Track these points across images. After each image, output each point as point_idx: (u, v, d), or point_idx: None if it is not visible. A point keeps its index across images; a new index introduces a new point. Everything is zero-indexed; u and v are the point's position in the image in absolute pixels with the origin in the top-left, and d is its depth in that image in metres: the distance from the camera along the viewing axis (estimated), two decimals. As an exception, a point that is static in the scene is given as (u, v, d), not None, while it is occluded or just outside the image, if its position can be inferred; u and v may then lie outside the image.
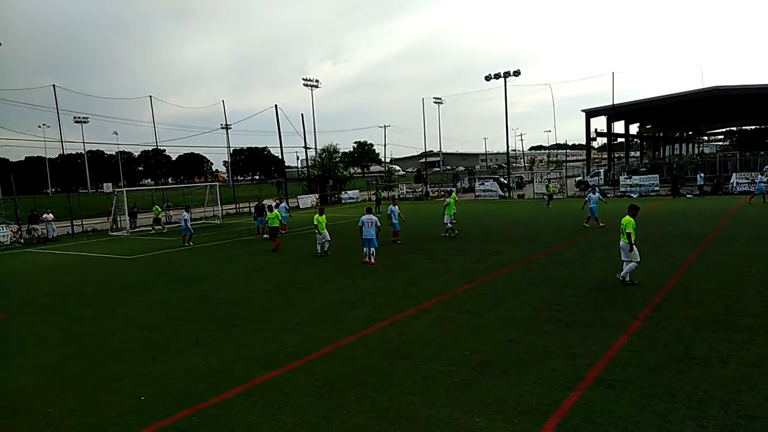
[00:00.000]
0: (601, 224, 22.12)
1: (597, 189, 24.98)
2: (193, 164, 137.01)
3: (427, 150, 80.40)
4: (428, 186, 54.40)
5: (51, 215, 31.78)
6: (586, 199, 23.30)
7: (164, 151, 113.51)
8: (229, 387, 7.45)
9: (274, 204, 28.36)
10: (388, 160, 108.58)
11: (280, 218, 22.60)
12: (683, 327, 8.90)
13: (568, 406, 6.30)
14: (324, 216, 18.64)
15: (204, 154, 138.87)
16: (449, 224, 22.46)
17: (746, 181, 37.99)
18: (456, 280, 13.63)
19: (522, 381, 7.11)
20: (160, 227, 34.17)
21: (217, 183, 43.41)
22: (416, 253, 18.17)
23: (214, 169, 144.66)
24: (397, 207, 21.50)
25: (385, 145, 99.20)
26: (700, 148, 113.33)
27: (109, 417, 6.72)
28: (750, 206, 27.96)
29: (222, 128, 54.52)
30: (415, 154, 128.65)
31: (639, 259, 11.97)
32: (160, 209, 35.39)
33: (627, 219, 12.13)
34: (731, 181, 38.56)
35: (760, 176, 34.02)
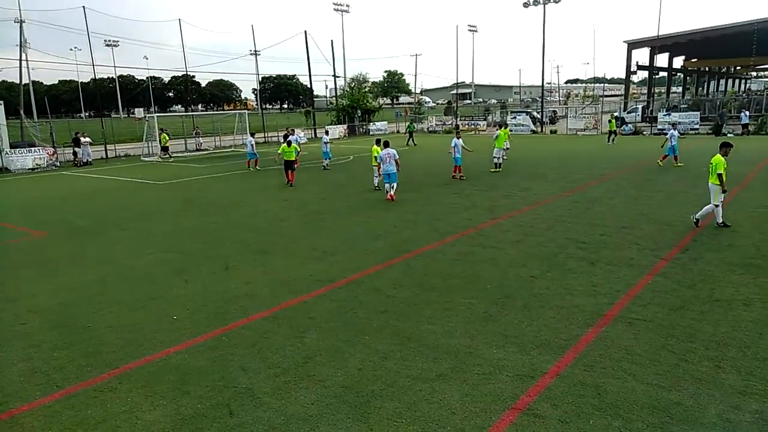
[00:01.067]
0: (679, 164, 21.06)
1: (677, 125, 23.68)
2: (222, 91, 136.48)
3: (458, 81, 78.12)
4: (459, 119, 53.28)
5: (88, 139, 32.47)
6: (668, 136, 21.58)
7: (194, 77, 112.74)
8: (257, 310, 7.75)
9: (290, 134, 27.15)
10: (418, 90, 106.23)
11: (297, 151, 20.92)
12: (710, 269, 8.79)
13: (586, 342, 6.40)
14: (380, 148, 17.44)
15: (233, 81, 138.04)
16: (499, 159, 21.80)
17: (795, 120, 36.07)
18: (482, 215, 13.61)
19: (542, 316, 7.21)
20: (167, 156, 33.47)
21: (246, 111, 43.33)
22: (443, 187, 18.09)
23: (242, 97, 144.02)
24: (461, 140, 20.08)
25: (416, 75, 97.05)
26: (747, 85, 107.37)
27: (144, 333, 7.11)
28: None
29: (251, 54, 53.64)
30: (447, 85, 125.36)
31: (717, 202, 11.33)
32: (168, 137, 34.43)
33: (717, 158, 11.43)
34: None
35: None
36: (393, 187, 15.97)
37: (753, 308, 7.19)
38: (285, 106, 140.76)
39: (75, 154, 31.61)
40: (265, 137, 45.83)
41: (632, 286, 8.17)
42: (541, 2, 46.57)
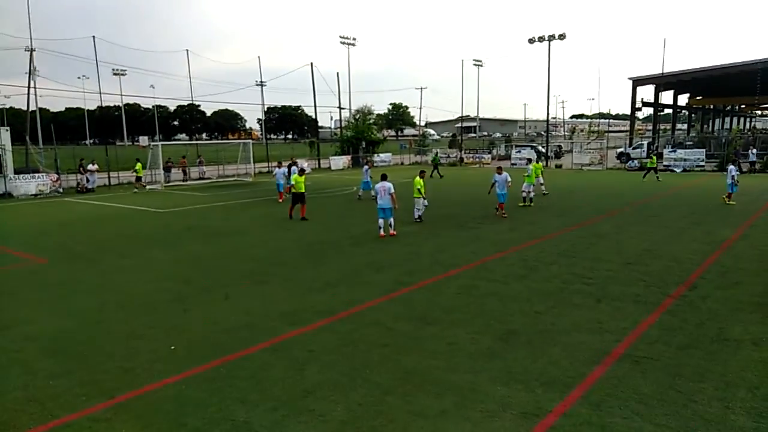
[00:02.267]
0: (730, 202, 20.22)
1: (738, 162, 22.23)
2: (227, 121, 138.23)
3: (463, 114, 79.00)
4: (463, 152, 53.64)
5: (96, 166, 32.76)
6: (729, 172, 20.59)
7: (199, 106, 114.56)
8: (256, 341, 7.63)
9: (290, 166, 26.32)
10: (423, 123, 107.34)
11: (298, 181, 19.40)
12: (718, 307, 8.65)
13: (592, 380, 6.25)
14: (423, 180, 17.29)
15: (238, 111, 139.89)
16: (529, 194, 21.08)
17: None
18: (486, 248, 13.52)
19: (547, 353, 7.07)
20: (142, 185, 32.43)
21: (250, 141, 43.76)
22: (447, 220, 18.06)
23: (247, 127, 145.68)
24: (505, 174, 18.64)
25: (420, 108, 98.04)
26: (752, 123, 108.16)
27: (141, 362, 6.98)
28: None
29: (257, 85, 54.60)
30: (452, 118, 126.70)
31: None
32: (143, 167, 33.40)
33: None
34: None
35: None
36: (391, 224, 15.02)
37: (762, 348, 7.03)
38: (289, 136, 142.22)
39: (79, 181, 31.82)
40: (269, 167, 46.13)
41: (639, 323, 8.03)
42: (546, 39, 47.40)
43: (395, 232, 15.03)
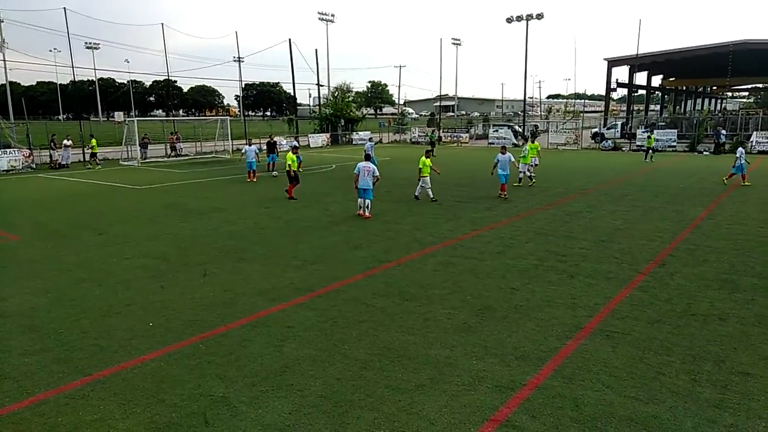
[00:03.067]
0: (746, 182, 20.47)
1: (743, 144, 22.41)
2: (204, 97, 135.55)
3: (442, 93, 78.79)
4: (441, 130, 53.62)
5: (70, 142, 31.92)
6: (737, 155, 20.88)
7: (176, 81, 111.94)
8: (235, 318, 7.64)
9: (270, 144, 26.83)
10: (402, 101, 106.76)
11: (297, 161, 19.40)
12: (686, 284, 8.93)
13: (564, 354, 6.43)
14: (429, 159, 17.58)
15: (215, 87, 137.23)
16: (527, 173, 21.10)
17: (766, 140, 37.10)
18: (463, 226, 13.66)
19: (521, 327, 7.23)
20: (96, 163, 31.48)
21: (228, 117, 43.05)
22: (424, 198, 18.12)
23: (225, 103, 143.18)
24: (509, 154, 18.36)
25: (399, 87, 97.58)
26: (723, 105, 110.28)
27: (118, 340, 6.94)
28: (765, 167, 27.31)
29: (234, 61, 53.46)
30: (430, 97, 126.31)
31: None
32: (96, 143, 32.23)
33: None
34: (751, 139, 37.67)
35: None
36: (368, 206, 14.85)
37: (728, 323, 7.30)
38: (268, 113, 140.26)
39: (51, 156, 31.02)
40: (247, 144, 45.52)
41: (610, 299, 8.26)
42: (524, 18, 47.30)
43: (370, 216, 14.74)
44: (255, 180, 23.21)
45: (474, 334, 7.05)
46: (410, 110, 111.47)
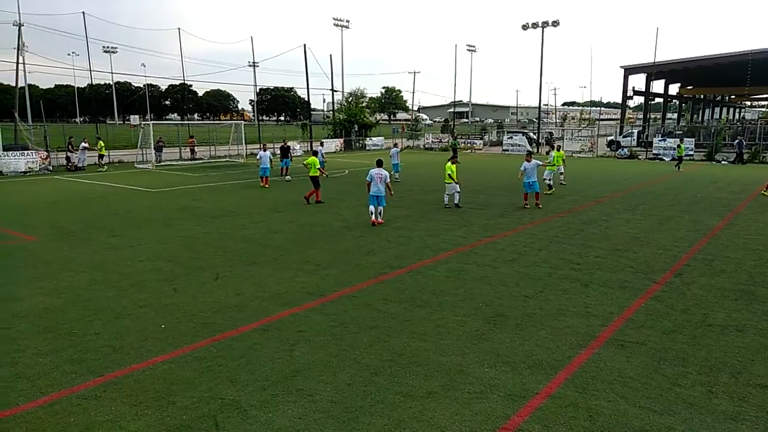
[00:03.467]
0: None
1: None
2: (219, 101, 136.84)
3: (456, 100, 78.77)
4: (456, 137, 53.57)
5: (87, 144, 32.39)
6: None
7: (191, 86, 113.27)
8: (246, 321, 7.66)
9: (283, 148, 26.79)
10: (415, 108, 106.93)
11: (318, 164, 18.98)
12: (703, 294, 8.78)
13: (578, 364, 6.34)
14: (455, 165, 17.25)
15: (230, 92, 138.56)
16: (548, 181, 20.49)
17: (786, 150, 36.48)
18: (476, 233, 13.59)
19: (534, 336, 7.16)
20: (103, 166, 31.99)
21: (242, 122, 43.39)
22: (437, 204, 18.09)
23: (239, 108, 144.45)
24: (534, 160, 17.54)
25: (413, 92, 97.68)
26: (741, 114, 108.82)
27: (130, 341, 6.99)
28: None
29: (249, 65, 53.90)
30: (444, 103, 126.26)
31: None
32: (104, 144, 32.84)
33: None
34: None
35: None
36: (380, 212, 14.72)
37: (745, 334, 7.17)
38: (282, 118, 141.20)
39: (68, 158, 31.46)
40: (261, 148, 45.81)
41: (625, 308, 8.14)
42: (540, 25, 47.17)
43: (382, 221, 14.63)
44: (267, 186, 23.14)
45: (486, 342, 6.99)
46: (424, 116, 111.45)
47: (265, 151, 24.31)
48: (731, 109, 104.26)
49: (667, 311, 8.02)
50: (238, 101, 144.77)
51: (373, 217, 14.62)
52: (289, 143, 30.85)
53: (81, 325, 7.58)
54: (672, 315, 7.87)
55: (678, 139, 36.73)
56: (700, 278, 9.64)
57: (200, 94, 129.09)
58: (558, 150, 22.65)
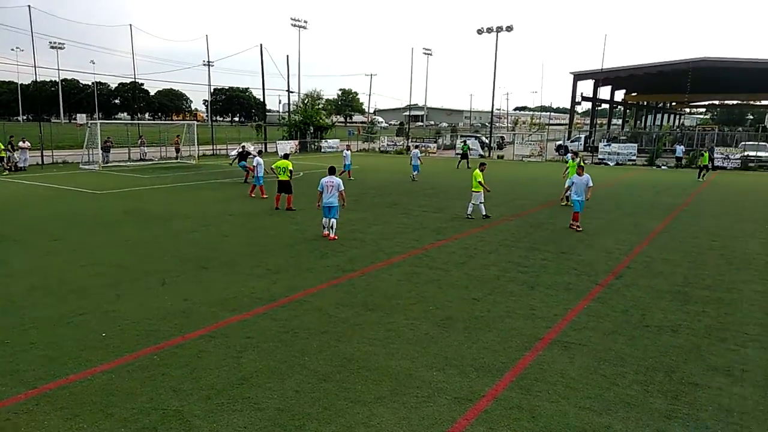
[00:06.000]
0: None
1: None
2: (172, 101, 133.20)
3: (411, 103, 79.40)
4: (410, 140, 53.98)
5: (27, 144, 30.79)
6: None
7: (142, 84, 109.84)
8: (193, 328, 7.48)
9: (241, 154, 25.33)
10: (372, 110, 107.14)
11: (291, 167, 17.57)
12: (642, 295, 9.16)
13: (523, 365, 6.50)
14: (482, 173, 16.00)
15: (184, 91, 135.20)
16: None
17: (721, 156, 38.53)
18: (429, 236, 13.73)
19: (482, 338, 7.29)
20: (4, 166, 29.04)
21: (195, 122, 42.38)
22: (392, 208, 18.19)
23: (192, 108, 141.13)
24: (587, 175, 14.82)
25: (370, 95, 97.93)
26: (681, 120, 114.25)
27: (68, 351, 6.70)
28: (719, 182, 28.33)
29: (204, 65, 52.69)
30: (400, 106, 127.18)
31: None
32: (3, 146, 29.30)
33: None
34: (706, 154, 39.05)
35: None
36: (333, 225, 13.22)
37: (679, 334, 7.52)
38: (236, 119, 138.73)
39: (8, 158, 29.89)
40: (213, 149, 44.96)
41: (569, 310, 8.41)
42: (494, 30, 48.14)
43: (336, 237, 13.11)
44: (266, 196, 19.95)
45: (435, 345, 7.07)
46: (380, 119, 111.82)
47: (260, 156, 21.47)
48: (672, 116, 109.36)
49: (608, 312, 8.33)
50: (191, 101, 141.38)
51: (325, 230, 13.35)
52: (245, 145, 30.29)
53: (15, 334, 7.22)
54: (612, 316, 8.17)
55: (704, 149, 35.54)
56: (639, 280, 10.05)
57: (152, 93, 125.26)
58: (573, 160, 20.08)
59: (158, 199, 20.02)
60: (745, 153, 38.51)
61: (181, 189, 23.03)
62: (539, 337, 7.33)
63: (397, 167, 35.14)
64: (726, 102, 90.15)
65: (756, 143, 41.51)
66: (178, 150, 38.88)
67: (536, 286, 9.59)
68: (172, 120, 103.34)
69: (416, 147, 26.95)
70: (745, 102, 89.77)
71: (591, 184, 14.71)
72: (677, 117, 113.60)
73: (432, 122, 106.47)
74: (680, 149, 39.87)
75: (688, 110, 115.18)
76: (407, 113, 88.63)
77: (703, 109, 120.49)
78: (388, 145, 53.27)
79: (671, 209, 18.62)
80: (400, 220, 15.82)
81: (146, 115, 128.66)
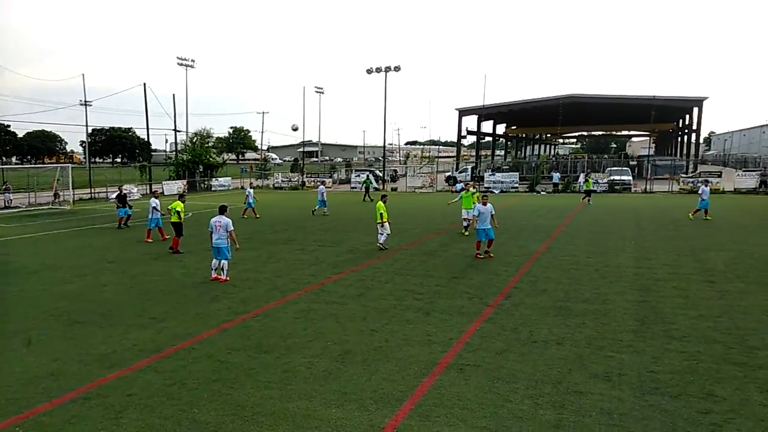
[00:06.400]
0: (708, 217, 22.03)
1: (707, 183, 23.94)
2: (44, 143, 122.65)
3: (305, 139, 79.51)
4: (305, 175, 53.81)
5: None
6: (700, 192, 22.52)
7: (8, 126, 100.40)
8: (64, 391, 6.72)
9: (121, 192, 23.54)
10: (265, 147, 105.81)
11: (177, 211, 17.09)
12: (529, 313, 9.65)
13: (421, 392, 6.53)
14: (385, 204, 16.44)
15: (58, 132, 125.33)
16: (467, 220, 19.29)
17: (593, 181, 42.36)
18: (325, 270, 13.59)
19: (381, 369, 7.24)
20: None
21: (69, 165, 39.23)
22: (287, 244, 17.85)
23: (68, 150, 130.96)
24: (489, 206, 14.94)
25: (262, 132, 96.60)
26: (556, 150, 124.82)
27: None
28: (591, 204, 30.94)
29: (81, 105, 49.30)
30: (294, 142, 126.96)
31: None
32: None
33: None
34: (579, 180, 42.82)
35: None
36: (224, 267, 12.61)
37: (564, 347, 7.97)
38: (118, 159, 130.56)
39: None
40: (91, 193, 41.80)
41: (463, 332, 8.63)
42: (383, 70, 49.86)
43: (228, 278, 12.53)
44: (167, 236, 18.72)
45: (334, 381, 6.90)
46: (274, 156, 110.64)
47: (156, 198, 19.97)
48: (548, 146, 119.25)
49: (499, 332, 8.65)
50: (66, 143, 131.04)
51: (214, 273, 12.64)
52: (126, 188, 28.45)
53: None
54: (503, 335, 8.50)
55: (587, 173, 38.92)
56: (526, 299, 10.59)
57: (20, 135, 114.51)
58: (467, 191, 20.47)
59: (23, 250, 18.08)
60: (611, 177, 42.61)
61: (52, 237, 20.99)
62: (436, 362, 7.42)
63: (293, 203, 34.79)
64: (593, 132, 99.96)
65: (619, 168, 46.26)
66: (57, 195, 35.76)
67: (431, 312, 9.77)
68: (43, 163, 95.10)
69: (322, 183, 27.62)
70: (608, 132, 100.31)
71: (494, 212, 14.95)
72: (553, 147, 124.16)
73: (327, 157, 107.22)
74: (556, 176, 43.49)
75: (561, 140, 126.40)
76: (301, 149, 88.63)
77: (574, 140, 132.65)
78: (282, 181, 52.66)
79: (551, 230, 20.00)
80: (296, 257, 15.54)
81: (13, 159, 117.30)
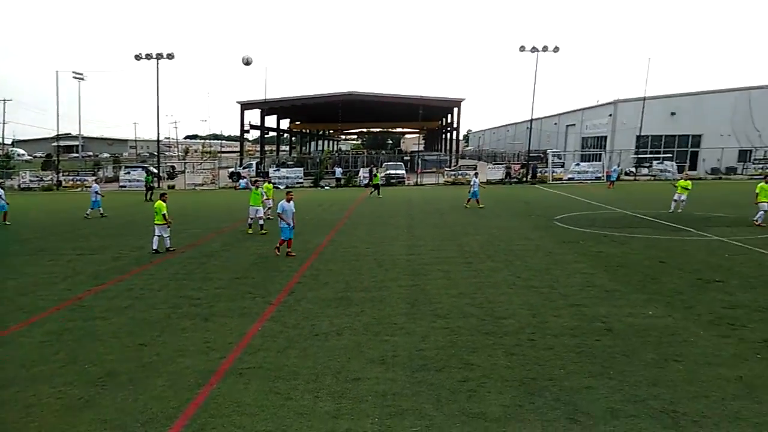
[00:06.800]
0: (481, 206, 25.08)
1: (477, 175, 27.68)
2: None
3: (61, 132, 69.10)
4: (61, 174, 46.70)
5: None
6: (472, 183, 26.02)
7: None
8: None
9: None
10: (9, 141, 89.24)
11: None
12: (311, 307, 9.74)
13: (196, 405, 6.08)
14: (165, 204, 15.26)
15: None
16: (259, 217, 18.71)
17: (367, 175, 45.05)
18: (84, 282, 11.90)
19: (150, 387, 6.56)
20: None
21: None
22: (36, 255, 15.22)
23: None
24: (292, 203, 14.42)
25: (3, 123, 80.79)
26: (338, 146, 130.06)
27: None
28: (381, 197, 32.77)
29: None
30: (48, 136, 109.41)
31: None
32: None
33: None
34: (359, 175, 45.17)
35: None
36: None
37: (344, 336, 8.21)
38: None
39: None
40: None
41: (244, 335, 8.32)
42: (155, 57, 45.73)
43: None
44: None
45: (91, 410, 6.02)
46: (21, 151, 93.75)
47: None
48: (331, 142, 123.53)
49: (281, 330, 8.54)
50: None
51: None
52: None
53: None
54: (285, 332, 8.42)
55: (373, 167, 41.12)
56: (308, 293, 10.69)
57: None
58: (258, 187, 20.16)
59: None
60: (388, 171, 45.87)
61: None
62: (214, 370, 6.99)
63: (47, 206, 30.01)
64: (372, 129, 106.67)
65: (395, 163, 50.07)
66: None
67: (211, 317, 9.22)
68: None
69: (96, 182, 25.83)
70: (385, 129, 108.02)
71: (294, 210, 14.51)
72: (335, 143, 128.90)
73: (90, 153, 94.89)
74: (339, 171, 45.23)
75: (344, 137, 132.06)
76: (56, 144, 77.07)
77: (355, 136, 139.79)
78: (31, 181, 45.02)
79: (334, 224, 20.65)
80: (47, 270, 13.30)
81: None
